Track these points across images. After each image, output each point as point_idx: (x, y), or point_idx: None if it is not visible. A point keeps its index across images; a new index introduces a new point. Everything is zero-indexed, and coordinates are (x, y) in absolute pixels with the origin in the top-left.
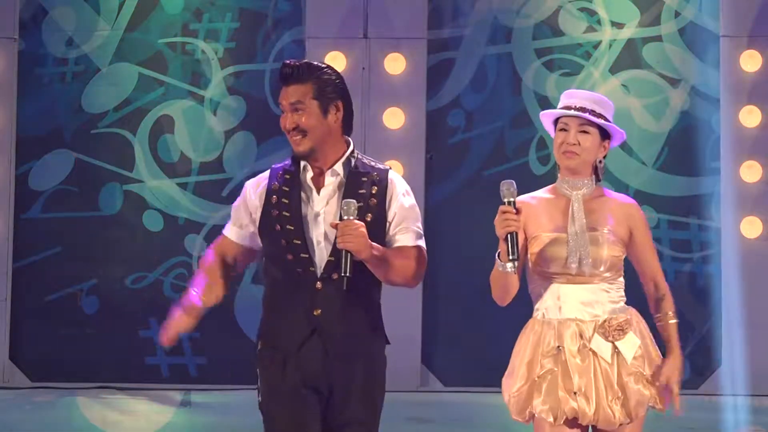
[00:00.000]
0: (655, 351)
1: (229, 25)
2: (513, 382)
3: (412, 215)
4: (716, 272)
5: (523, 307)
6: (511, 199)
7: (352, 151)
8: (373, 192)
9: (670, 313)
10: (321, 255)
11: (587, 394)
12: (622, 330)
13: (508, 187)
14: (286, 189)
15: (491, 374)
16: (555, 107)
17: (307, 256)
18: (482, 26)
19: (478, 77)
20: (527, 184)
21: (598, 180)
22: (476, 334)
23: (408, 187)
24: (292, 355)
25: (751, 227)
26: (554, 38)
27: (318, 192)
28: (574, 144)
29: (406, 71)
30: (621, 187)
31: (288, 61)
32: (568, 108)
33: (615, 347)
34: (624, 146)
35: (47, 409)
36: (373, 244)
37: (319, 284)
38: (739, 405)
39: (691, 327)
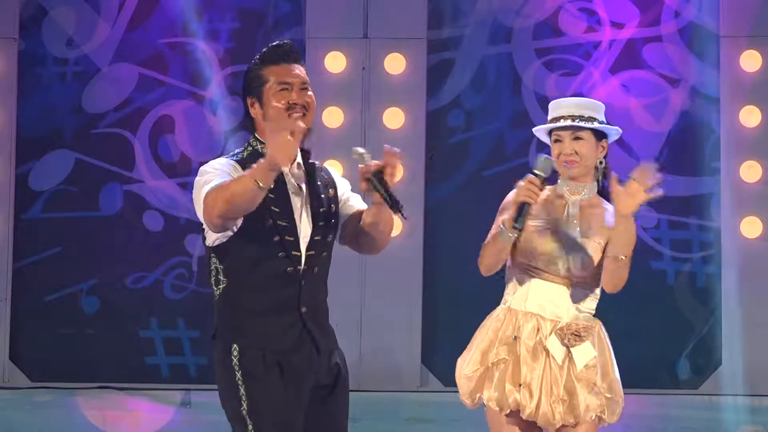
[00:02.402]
0: (611, 367)
1: (229, 25)
2: (466, 364)
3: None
4: (716, 272)
5: None
6: (541, 174)
7: None
8: (326, 182)
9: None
10: (306, 250)
11: (531, 388)
12: (578, 336)
13: (544, 161)
14: None
15: None
16: None
17: (298, 253)
18: (482, 26)
19: (478, 77)
20: None
21: (605, 180)
22: None
23: None
24: (286, 357)
25: (751, 227)
26: (554, 38)
27: (298, 185)
28: (571, 153)
29: (406, 71)
30: None
31: (285, 41)
32: (557, 119)
33: (569, 352)
34: (624, 146)
35: (47, 409)
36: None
37: (303, 281)
38: (739, 405)
39: (691, 327)
